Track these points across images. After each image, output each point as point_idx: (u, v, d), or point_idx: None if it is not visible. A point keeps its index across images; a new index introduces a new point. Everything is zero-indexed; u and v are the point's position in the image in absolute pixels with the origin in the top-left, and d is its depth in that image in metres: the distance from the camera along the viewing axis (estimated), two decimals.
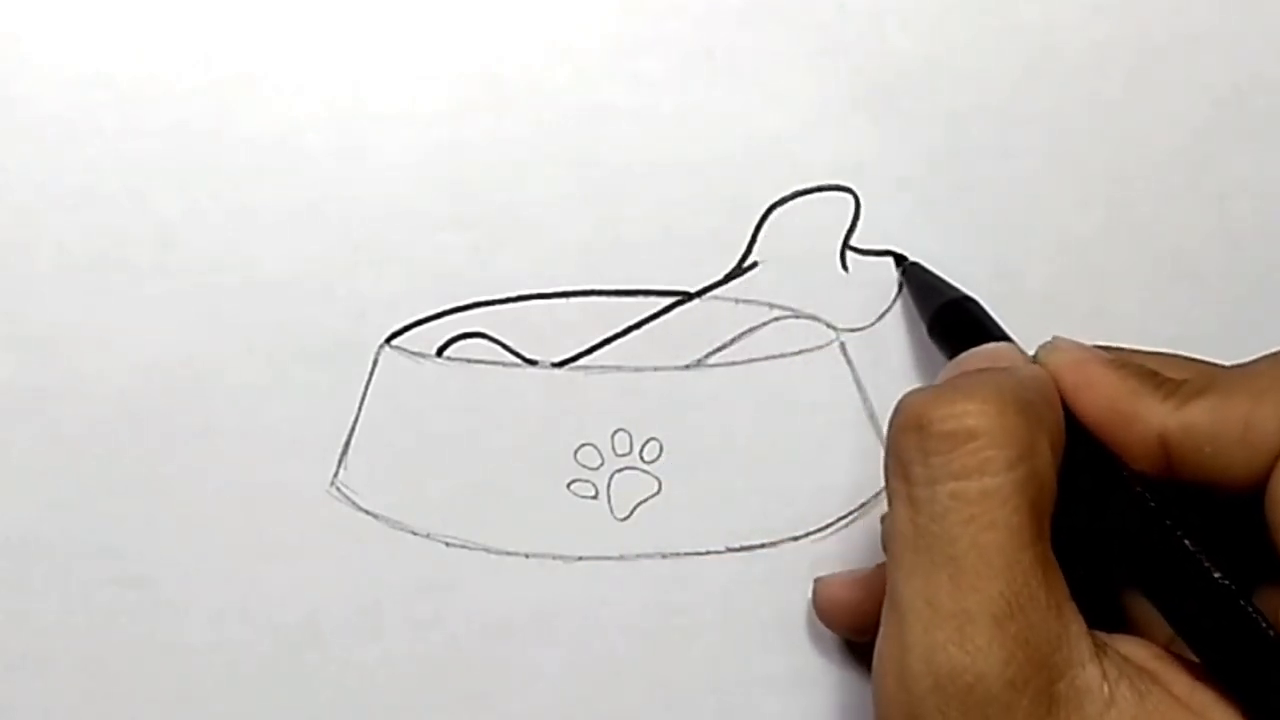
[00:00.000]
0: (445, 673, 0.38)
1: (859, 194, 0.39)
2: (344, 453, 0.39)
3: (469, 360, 0.39)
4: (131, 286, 0.38)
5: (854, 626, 0.37)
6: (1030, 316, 0.40)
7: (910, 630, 0.28)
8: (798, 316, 0.39)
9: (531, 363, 0.39)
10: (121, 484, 0.38)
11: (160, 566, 0.38)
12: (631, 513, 0.39)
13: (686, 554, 0.39)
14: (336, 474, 0.39)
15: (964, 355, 0.34)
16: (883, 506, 0.39)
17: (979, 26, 0.40)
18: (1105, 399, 0.31)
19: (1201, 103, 0.40)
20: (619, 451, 0.39)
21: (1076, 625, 0.28)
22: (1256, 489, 0.29)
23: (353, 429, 0.39)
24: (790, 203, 0.39)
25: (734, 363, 0.39)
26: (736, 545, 0.39)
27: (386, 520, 0.39)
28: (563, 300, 0.39)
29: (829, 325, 0.39)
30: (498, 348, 0.39)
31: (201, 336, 0.38)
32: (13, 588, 0.38)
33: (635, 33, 0.39)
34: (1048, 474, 0.29)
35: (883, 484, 0.39)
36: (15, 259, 0.38)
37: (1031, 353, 0.34)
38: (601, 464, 0.39)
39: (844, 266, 0.39)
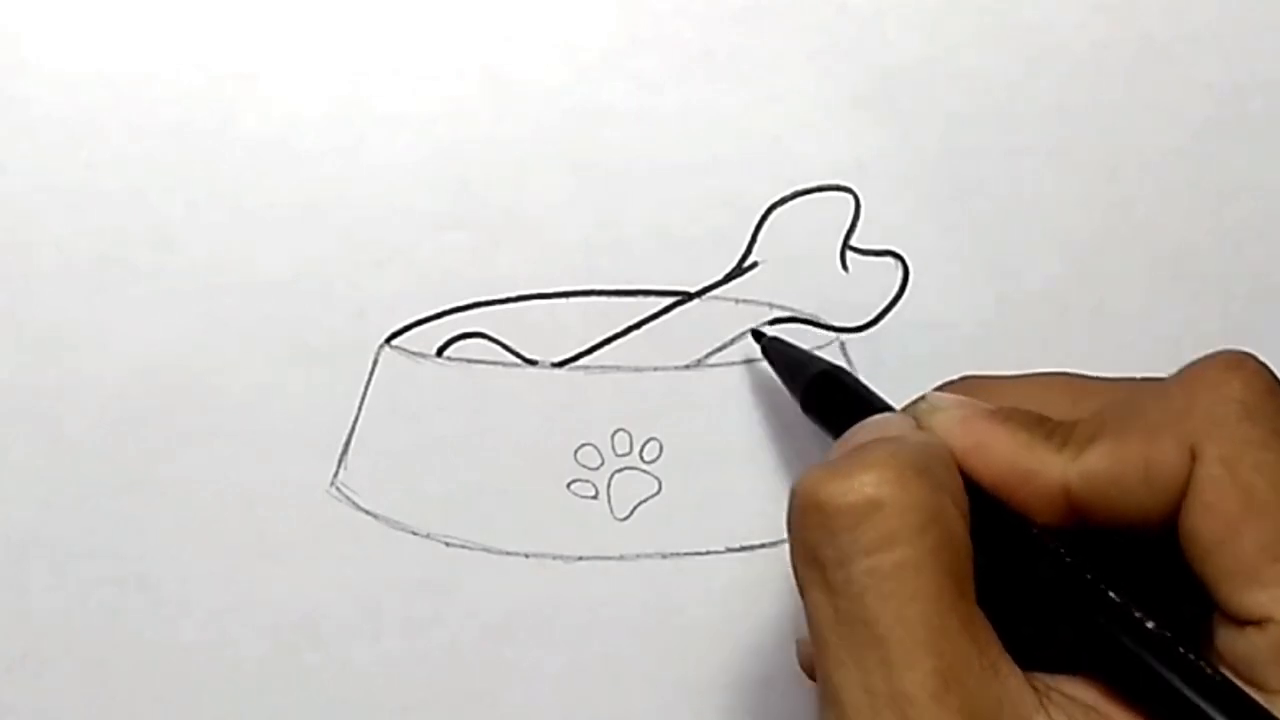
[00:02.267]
0: (445, 673, 0.38)
1: (859, 194, 0.39)
2: (344, 453, 0.39)
3: (469, 360, 0.39)
4: (131, 286, 0.38)
5: None
6: (1030, 316, 0.40)
7: None
8: (798, 317, 0.39)
9: (531, 363, 0.39)
10: (121, 484, 0.38)
11: (160, 566, 0.38)
12: (631, 513, 0.39)
13: (686, 554, 0.39)
14: (336, 474, 0.39)
15: (851, 431, 0.32)
16: None
17: (979, 26, 0.40)
18: (1000, 458, 0.30)
19: (1201, 103, 0.40)
20: (619, 451, 0.39)
21: (1015, 680, 0.27)
22: (1166, 526, 0.29)
23: (353, 429, 0.39)
24: (790, 203, 0.39)
25: (734, 363, 0.39)
26: (736, 545, 0.39)
27: (386, 520, 0.39)
28: (563, 300, 0.39)
29: (829, 325, 0.39)
30: (498, 348, 0.39)
31: (201, 336, 0.38)
32: (13, 588, 0.38)
33: (635, 33, 0.39)
34: (960, 534, 0.28)
35: None
36: (15, 259, 0.38)
37: (906, 405, 0.33)
38: (601, 464, 0.39)
39: (844, 266, 0.39)
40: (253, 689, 0.38)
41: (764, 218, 0.39)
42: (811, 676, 0.34)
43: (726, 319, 0.39)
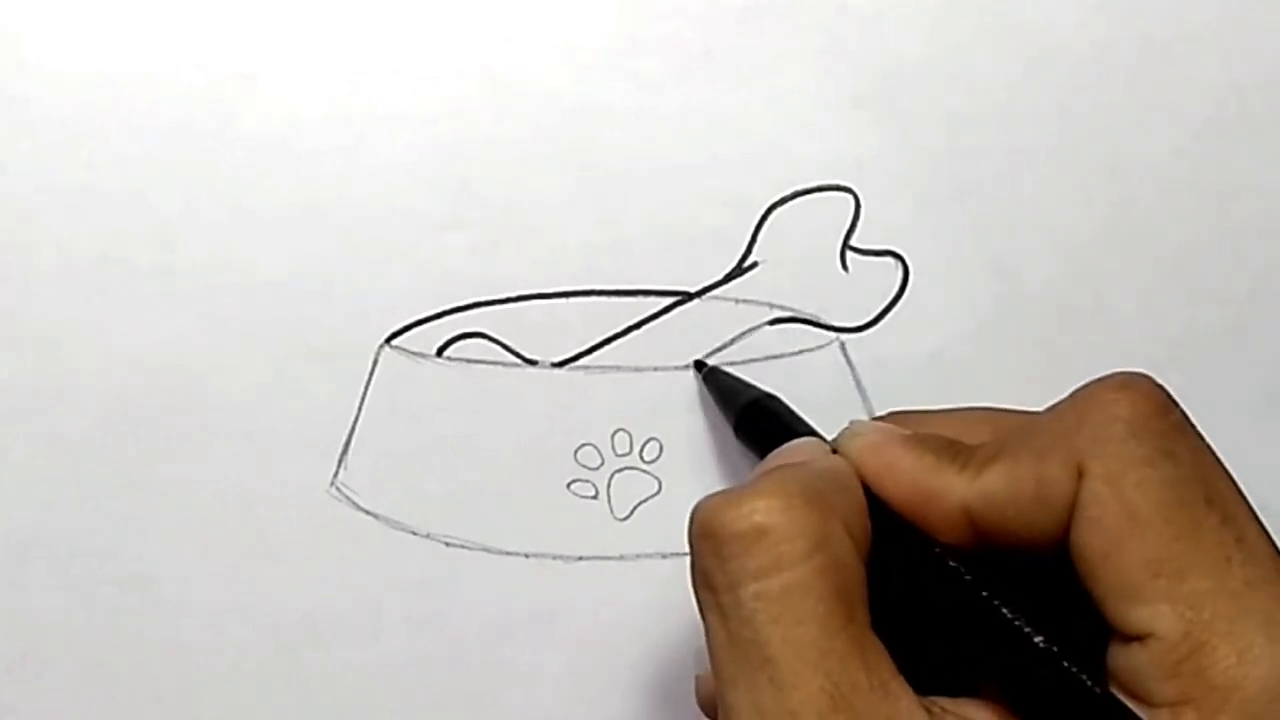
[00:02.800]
0: (445, 673, 0.38)
1: (859, 194, 0.39)
2: (344, 453, 0.39)
3: (469, 360, 0.39)
4: (131, 286, 0.38)
5: None
6: (1030, 316, 0.40)
7: None
8: (798, 317, 0.39)
9: (531, 363, 0.39)
10: (121, 484, 0.38)
11: (160, 566, 0.38)
12: (631, 513, 0.39)
13: (686, 554, 0.39)
14: (336, 474, 0.39)
15: (768, 458, 0.33)
16: None
17: (979, 26, 0.40)
18: (906, 479, 0.31)
19: (1201, 103, 0.40)
20: (619, 451, 0.39)
21: (906, 700, 0.28)
22: (1061, 544, 0.29)
23: (353, 429, 0.39)
24: (790, 203, 0.39)
25: (734, 363, 0.39)
26: None
27: (386, 520, 0.39)
28: (563, 300, 0.39)
29: (829, 325, 0.39)
30: (498, 348, 0.39)
31: (201, 336, 0.38)
32: (13, 588, 0.38)
33: (635, 33, 0.39)
34: (848, 558, 0.28)
35: None
36: (15, 259, 0.38)
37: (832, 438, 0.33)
38: (601, 464, 0.39)
39: (844, 266, 0.40)
40: (253, 689, 0.38)
41: (764, 218, 0.39)
42: (709, 715, 0.35)
43: (726, 319, 0.39)
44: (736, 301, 0.39)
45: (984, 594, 0.29)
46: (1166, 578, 0.27)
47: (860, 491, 0.31)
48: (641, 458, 0.39)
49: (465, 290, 0.39)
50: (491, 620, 0.39)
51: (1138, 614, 0.28)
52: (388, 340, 0.39)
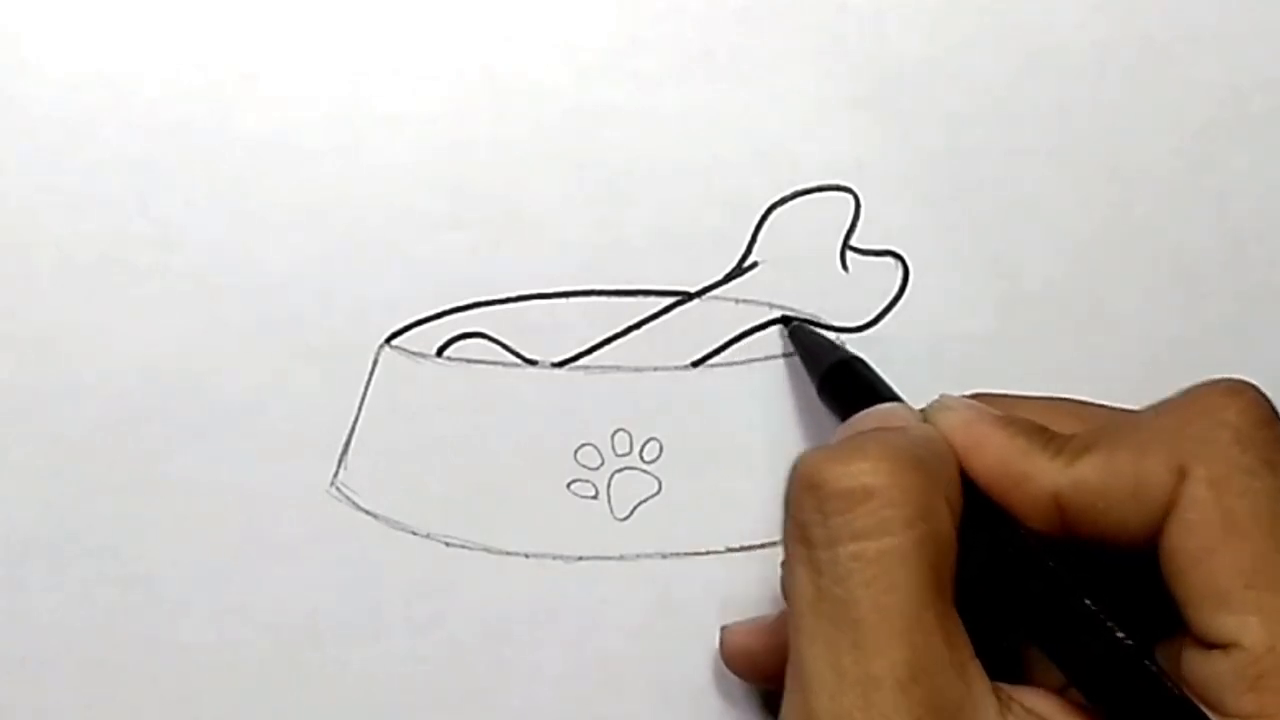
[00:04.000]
0: (445, 673, 0.38)
1: (859, 194, 0.39)
2: (344, 453, 0.39)
3: (469, 360, 0.39)
4: (131, 286, 0.38)
5: (762, 675, 0.36)
6: (1030, 316, 0.40)
7: (816, 697, 0.28)
8: (797, 317, 0.39)
9: (531, 363, 0.39)
10: (121, 484, 0.38)
11: (160, 566, 0.38)
12: (631, 513, 0.39)
13: (686, 554, 0.39)
14: (336, 474, 0.39)
15: (857, 416, 0.33)
16: None
17: (979, 26, 0.40)
18: (997, 459, 0.30)
19: (1201, 103, 0.40)
20: (619, 451, 0.39)
21: (980, 684, 0.28)
22: (1151, 542, 0.29)
23: (353, 429, 0.39)
24: (790, 203, 0.39)
25: (734, 363, 0.39)
26: (736, 545, 0.39)
27: (386, 520, 0.39)
28: (563, 300, 0.39)
29: (829, 325, 0.39)
30: (498, 348, 0.39)
31: (201, 336, 0.38)
32: (13, 588, 0.38)
33: (635, 33, 0.39)
34: (947, 532, 0.28)
35: None
36: (15, 259, 0.38)
37: (920, 408, 0.33)
38: (601, 464, 0.39)
39: (844, 266, 0.40)
40: (253, 689, 0.38)
41: (764, 218, 0.39)
42: (733, 669, 0.36)
43: (726, 319, 0.39)
44: (736, 301, 0.39)
45: (1069, 583, 0.29)
46: (1259, 589, 0.27)
47: (956, 465, 0.30)
48: (641, 458, 0.39)
49: (465, 290, 0.39)
50: (491, 620, 0.39)
51: (1225, 622, 0.27)
52: (388, 340, 0.39)
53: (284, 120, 0.38)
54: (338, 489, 0.39)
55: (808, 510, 0.28)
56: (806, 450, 0.29)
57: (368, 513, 0.39)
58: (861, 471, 0.28)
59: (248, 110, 0.38)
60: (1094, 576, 0.29)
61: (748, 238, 0.39)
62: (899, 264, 0.40)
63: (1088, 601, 0.28)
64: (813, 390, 0.38)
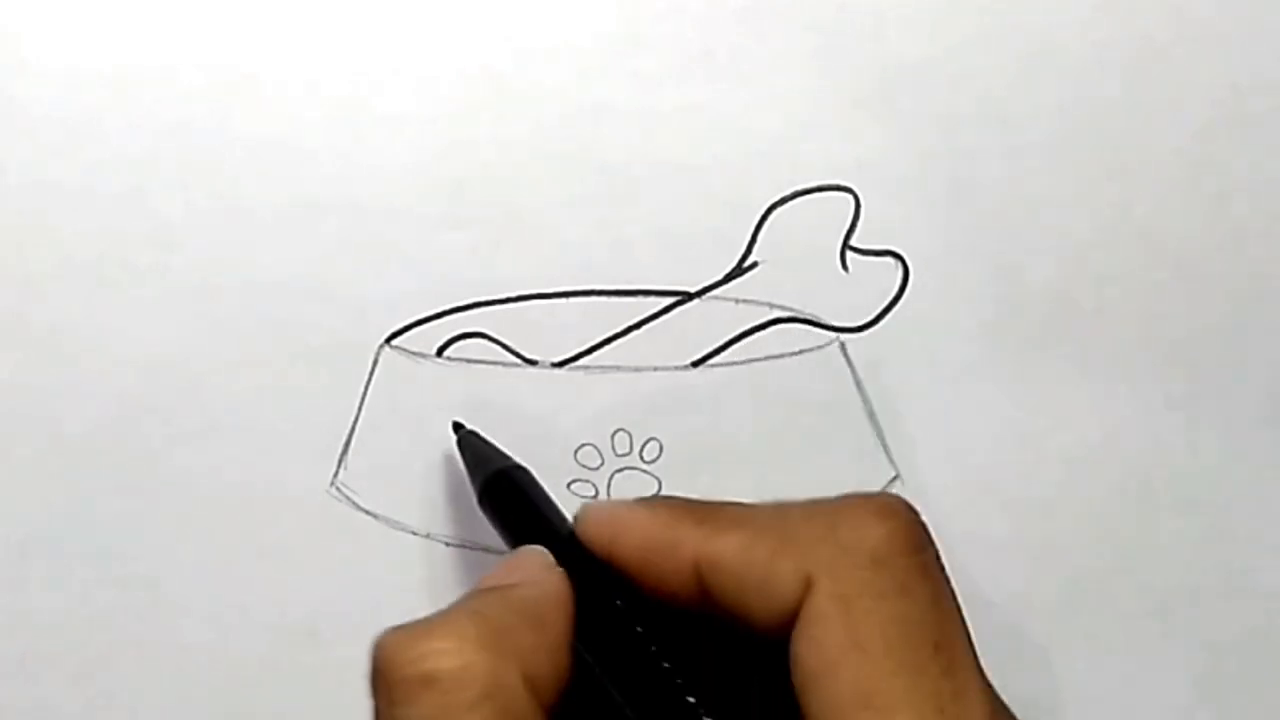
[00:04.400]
0: None
1: (859, 194, 0.39)
2: (344, 453, 0.39)
3: (469, 360, 0.39)
4: (131, 286, 0.38)
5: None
6: (1030, 316, 0.40)
7: None
8: (798, 317, 0.39)
9: (531, 363, 0.39)
10: (121, 484, 0.38)
11: (160, 566, 0.38)
12: None
13: None
14: (336, 474, 0.39)
15: (490, 572, 0.32)
16: None
17: (979, 26, 0.40)
18: (639, 536, 0.30)
19: (1201, 103, 0.40)
20: (619, 451, 0.39)
21: None
22: (781, 636, 0.28)
23: (353, 429, 0.39)
24: (790, 203, 0.39)
25: (734, 363, 0.39)
26: None
27: (386, 520, 0.39)
28: (563, 300, 0.39)
29: (829, 325, 0.39)
30: (498, 348, 0.39)
31: (201, 336, 0.38)
32: (13, 588, 0.38)
33: (635, 33, 0.39)
34: (518, 706, 0.28)
35: (883, 483, 0.39)
36: (15, 259, 0.38)
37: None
38: (601, 464, 0.39)
39: (844, 266, 0.40)
40: (253, 689, 0.38)
41: (764, 218, 0.39)
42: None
43: (726, 319, 0.39)
44: (736, 301, 0.39)
45: (679, 685, 0.29)
46: (875, 711, 0.27)
47: (561, 623, 0.30)
48: (641, 458, 0.39)
49: (465, 290, 0.39)
50: None
51: None
52: (388, 340, 0.39)
53: (284, 120, 0.38)
54: (338, 489, 0.39)
55: (378, 697, 0.28)
56: (385, 631, 0.28)
57: (368, 513, 0.39)
58: (424, 656, 0.28)
59: (248, 110, 0.38)
60: (744, 655, 0.29)
61: (748, 238, 0.39)
62: (899, 264, 0.40)
63: (665, 664, 0.29)
64: (814, 390, 0.38)
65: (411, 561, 0.38)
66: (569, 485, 0.39)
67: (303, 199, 0.38)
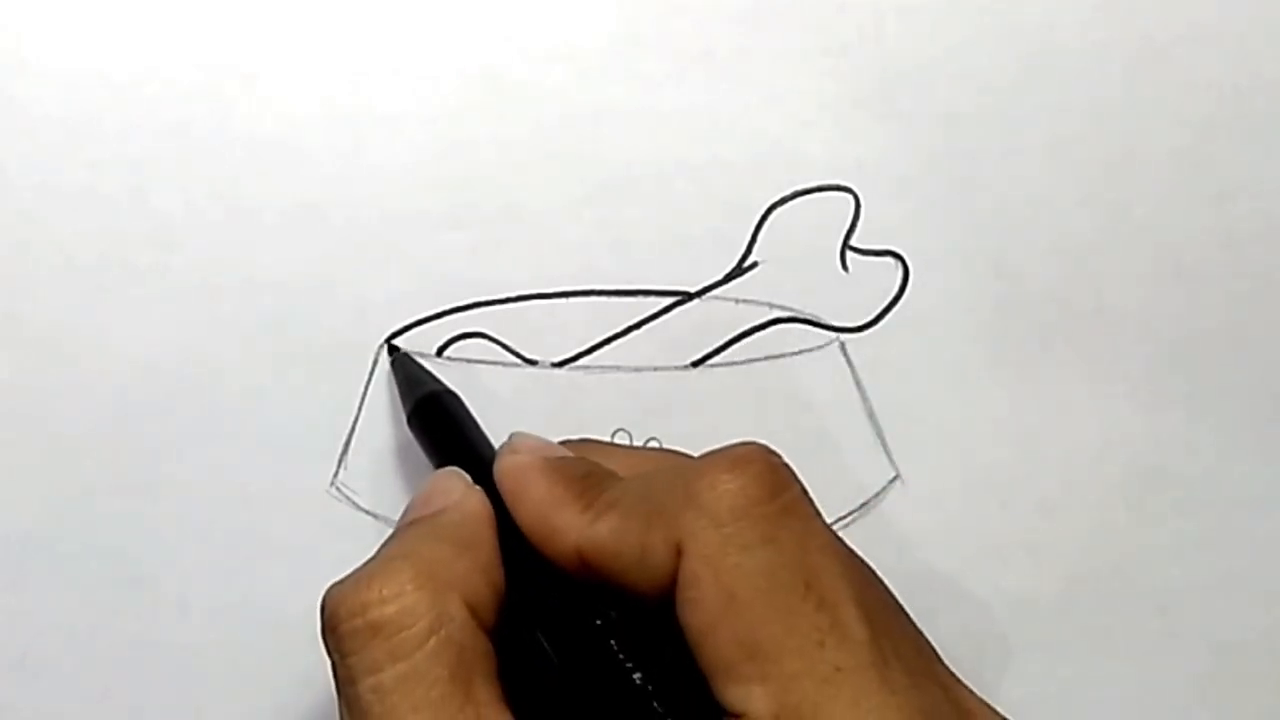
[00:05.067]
0: None
1: (859, 194, 0.39)
2: (344, 453, 0.39)
3: (469, 360, 0.39)
4: (131, 286, 0.38)
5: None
6: (1030, 316, 0.40)
7: None
8: (798, 317, 0.39)
9: (531, 363, 0.39)
10: (121, 484, 0.38)
11: (160, 566, 0.38)
12: None
13: None
14: (336, 474, 0.39)
15: (412, 499, 0.33)
16: (884, 506, 0.39)
17: (979, 26, 0.40)
18: (534, 510, 0.31)
19: (1201, 103, 0.40)
20: None
21: None
22: (664, 604, 0.29)
23: (353, 429, 0.39)
24: (790, 203, 0.39)
25: (734, 363, 0.39)
26: None
27: (386, 520, 0.39)
28: (563, 300, 0.39)
29: (829, 325, 0.39)
30: (498, 348, 0.39)
31: (201, 336, 0.38)
32: (13, 588, 0.38)
33: (635, 33, 0.39)
34: (464, 634, 0.29)
35: (883, 483, 0.39)
36: (15, 259, 0.38)
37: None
38: None
39: (844, 266, 0.40)
40: (253, 688, 0.38)
41: (764, 218, 0.39)
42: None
43: (726, 319, 0.39)
44: (736, 301, 0.39)
45: (598, 622, 0.29)
46: (759, 660, 0.27)
47: (490, 541, 0.31)
48: None
49: (465, 290, 0.39)
50: None
51: (733, 693, 0.28)
52: (388, 340, 0.39)
53: (284, 120, 0.38)
54: (338, 489, 0.39)
55: (330, 651, 0.29)
56: (331, 585, 0.30)
57: (368, 513, 0.39)
58: (367, 605, 0.29)
59: (248, 110, 0.38)
60: (638, 622, 0.30)
61: (748, 238, 0.39)
62: (899, 264, 0.40)
63: (613, 643, 0.29)
64: (814, 390, 0.38)
65: None
66: None
67: (303, 199, 0.38)
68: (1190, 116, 0.40)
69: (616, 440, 0.39)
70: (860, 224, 0.39)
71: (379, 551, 0.31)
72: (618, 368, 0.39)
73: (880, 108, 0.40)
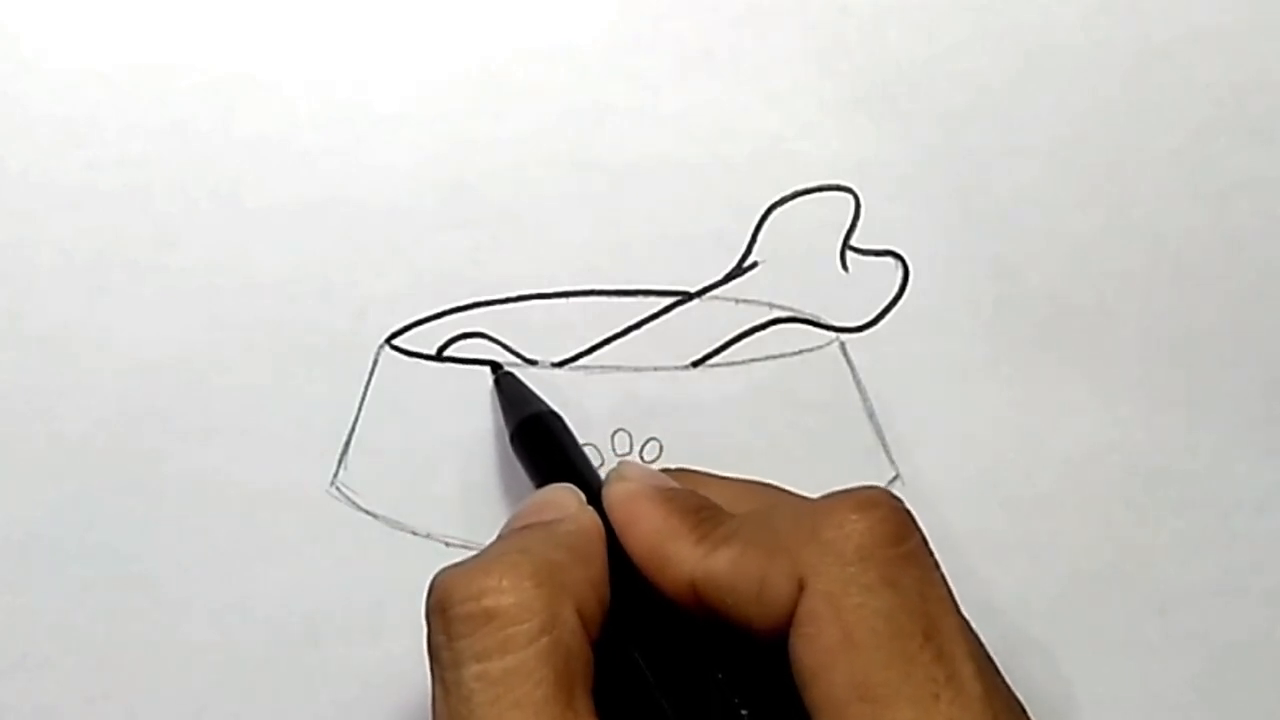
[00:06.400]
0: None
1: (859, 194, 0.39)
2: (344, 453, 0.39)
3: (469, 360, 0.39)
4: (131, 286, 0.38)
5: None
6: (1030, 316, 0.40)
7: None
8: (798, 317, 0.39)
9: (531, 363, 0.39)
10: (121, 484, 0.38)
11: (160, 566, 0.38)
12: None
13: None
14: (336, 474, 0.39)
15: (521, 506, 0.33)
16: None
17: (979, 26, 0.40)
18: (647, 539, 0.31)
19: (1201, 103, 0.40)
20: (619, 451, 0.39)
21: None
22: (779, 641, 0.29)
23: (353, 429, 0.39)
24: (790, 203, 0.39)
25: (734, 363, 0.39)
26: None
27: (386, 520, 0.39)
28: (563, 300, 0.39)
29: (829, 325, 0.39)
30: (498, 348, 0.39)
31: (201, 336, 0.38)
32: (13, 588, 0.38)
33: (635, 33, 0.39)
34: (573, 640, 0.29)
35: (883, 484, 0.39)
36: (15, 259, 0.38)
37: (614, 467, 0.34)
38: (601, 464, 0.39)
39: (844, 266, 0.40)
40: (253, 689, 0.38)
41: (764, 218, 0.39)
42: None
43: (726, 319, 0.39)
44: (736, 301, 0.39)
45: (698, 658, 0.29)
46: (871, 703, 0.28)
47: (602, 557, 0.31)
48: (641, 458, 0.39)
49: (465, 290, 0.39)
50: None
51: None
52: (388, 340, 0.39)
53: (284, 120, 0.38)
54: (338, 489, 0.39)
55: (436, 632, 0.29)
56: (442, 568, 0.30)
57: (368, 513, 0.39)
58: (484, 592, 0.29)
59: (248, 110, 0.38)
60: (744, 656, 0.30)
61: (748, 238, 0.39)
62: (899, 264, 0.40)
63: (720, 675, 0.29)
64: (814, 390, 0.38)
65: (411, 561, 0.38)
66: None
67: (303, 199, 0.38)
68: (1190, 116, 0.40)
69: (615, 440, 0.39)
70: (860, 224, 0.39)
71: (493, 546, 0.31)
72: (618, 368, 0.39)
73: (880, 108, 0.40)
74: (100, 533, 0.38)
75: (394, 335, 0.39)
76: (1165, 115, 0.40)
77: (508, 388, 0.38)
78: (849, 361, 0.39)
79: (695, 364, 0.39)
